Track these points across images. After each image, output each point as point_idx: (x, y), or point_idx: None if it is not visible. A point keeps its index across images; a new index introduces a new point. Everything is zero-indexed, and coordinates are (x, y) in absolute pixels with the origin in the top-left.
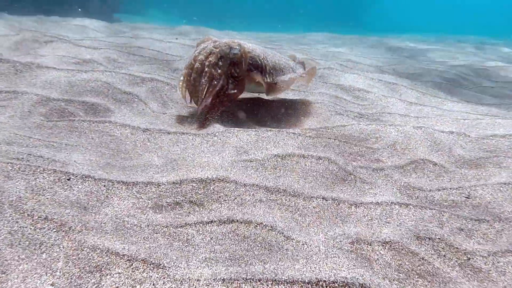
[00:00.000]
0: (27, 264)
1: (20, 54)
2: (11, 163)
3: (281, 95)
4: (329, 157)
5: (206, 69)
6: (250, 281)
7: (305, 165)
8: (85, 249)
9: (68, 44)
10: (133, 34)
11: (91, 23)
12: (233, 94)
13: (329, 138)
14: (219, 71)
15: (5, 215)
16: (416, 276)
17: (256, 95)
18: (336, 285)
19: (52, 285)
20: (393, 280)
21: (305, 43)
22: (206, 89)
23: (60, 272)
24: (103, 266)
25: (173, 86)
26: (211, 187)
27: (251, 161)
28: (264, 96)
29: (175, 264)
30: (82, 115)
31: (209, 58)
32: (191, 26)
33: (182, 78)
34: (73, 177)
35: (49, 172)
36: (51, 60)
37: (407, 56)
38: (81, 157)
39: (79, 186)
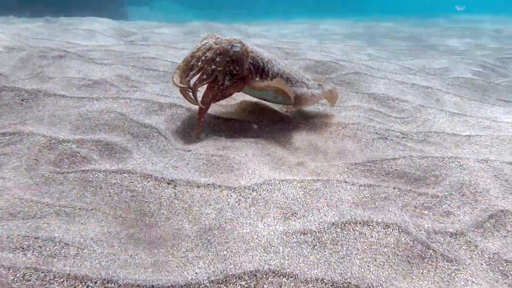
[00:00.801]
0: None
1: (26, 75)
2: (13, 268)
3: (307, 109)
4: (397, 222)
5: (199, 63)
6: None
7: (372, 238)
8: None
9: (77, 60)
10: (142, 37)
11: (99, 26)
12: (228, 90)
13: (385, 184)
14: (213, 67)
15: None
16: None
17: (270, 105)
18: None
19: None
20: None
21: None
22: (194, 84)
23: None
24: None
25: (194, 112)
26: (264, 286)
27: (304, 233)
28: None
29: None
30: (96, 158)
31: (206, 54)
32: (200, 21)
33: (176, 70)
34: (91, 284)
35: (62, 279)
36: (59, 84)
37: (426, 46)
38: (98, 229)
39: None
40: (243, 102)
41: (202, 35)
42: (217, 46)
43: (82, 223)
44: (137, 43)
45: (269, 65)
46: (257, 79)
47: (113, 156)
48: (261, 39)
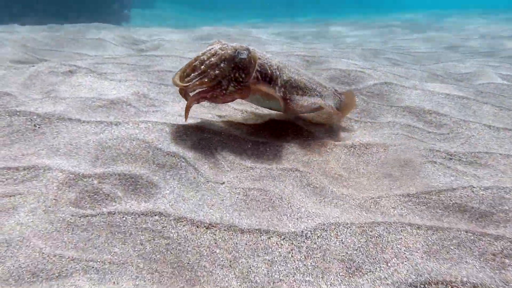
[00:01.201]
0: None
1: (36, 93)
2: None
3: (341, 126)
4: (483, 281)
5: (203, 67)
6: None
7: None
8: None
9: (89, 77)
10: (153, 45)
11: (107, 34)
12: (231, 95)
13: (452, 227)
14: (216, 72)
15: None
16: None
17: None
18: None
19: None
20: None
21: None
22: (193, 83)
23: None
24: None
25: (224, 136)
26: None
27: None
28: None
29: None
30: (120, 195)
31: (211, 58)
32: (210, 26)
33: (178, 71)
34: None
35: None
36: (72, 105)
37: (446, 47)
38: None
39: None
40: (268, 121)
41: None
42: (223, 52)
43: (114, 283)
44: (148, 53)
45: (277, 72)
46: (267, 88)
47: (139, 192)
48: (276, 45)
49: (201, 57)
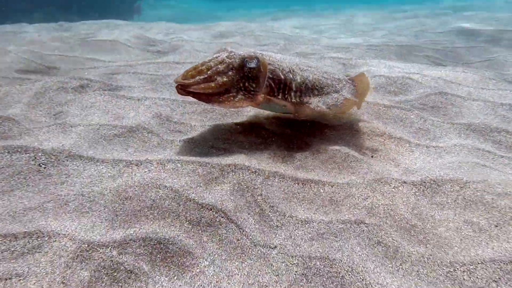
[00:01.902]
0: None
1: (43, 116)
2: None
3: (398, 153)
4: None
5: (209, 72)
6: None
7: None
8: None
9: (103, 95)
10: (170, 46)
11: (120, 35)
12: (240, 103)
13: None
14: (224, 79)
15: None
16: None
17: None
18: None
19: None
20: None
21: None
22: (196, 83)
23: None
24: None
25: (268, 174)
26: None
27: None
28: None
29: None
30: (147, 270)
31: (218, 66)
32: (230, 22)
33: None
34: None
35: None
36: (84, 135)
37: (484, 41)
38: None
39: None
40: (309, 145)
41: (229, 41)
42: (230, 60)
43: None
44: (167, 58)
45: (291, 76)
46: (280, 97)
47: (170, 263)
48: (305, 45)
49: (208, 63)
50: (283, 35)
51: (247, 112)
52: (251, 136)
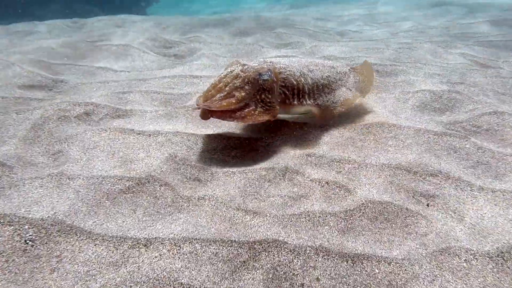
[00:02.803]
0: None
1: (41, 157)
2: None
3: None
4: None
5: (227, 88)
6: None
7: None
8: None
9: (109, 132)
10: (188, 49)
11: (133, 38)
12: (261, 116)
13: None
14: (243, 94)
15: None
16: None
17: None
18: None
19: None
20: None
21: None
22: (217, 101)
23: None
24: None
25: (308, 255)
26: None
27: None
28: None
29: None
30: None
31: (234, 81)
32: (247, 15)
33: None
34: None
35: None
36: (83, 195)
37: None
38: None
39: None
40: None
41: (249, 40)
42: (245, 74)
43: None
44: (184, 68)
45: (302, 80)
46: (295, 102)
47: None
48: (334, 46)
49: (224, 80)
50: (306, 31)
51: (273, 154)
52: (283, 185)
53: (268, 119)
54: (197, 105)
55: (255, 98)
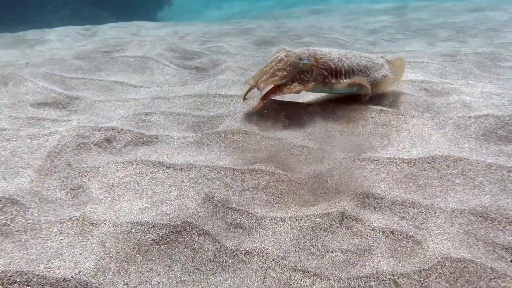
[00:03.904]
0: None
1: (58, 193)
2: None
3: None
4: None
5: (271, 70)
6: None
7: None
8: None
9: (135, 165)
10: (211, 62)
11: (151, 48)
12: (296, 88)
13: None
14: (285, 73)
15: None
16: None
17: None
18: None
19: None
20: None
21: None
22: (263, 81)
23: None
24: None
25: None
26: None
27: None
28: None
29: None
30: None
31: (278, 64)
32: (271, 23)
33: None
34: None
35: None
36: (110, 247)
37: None
38: None
39: None
40: None
41: (274, 50)
42: (287, 58)
43: None
44: (210, 84)
45: (340, 64)
46: (334, 80)
47: None
48: None
49: (270, 64)
50: (336, 41)
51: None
52: (341, 235)
53: (302, 90)
54: (253, 83)
55: (295, 78)
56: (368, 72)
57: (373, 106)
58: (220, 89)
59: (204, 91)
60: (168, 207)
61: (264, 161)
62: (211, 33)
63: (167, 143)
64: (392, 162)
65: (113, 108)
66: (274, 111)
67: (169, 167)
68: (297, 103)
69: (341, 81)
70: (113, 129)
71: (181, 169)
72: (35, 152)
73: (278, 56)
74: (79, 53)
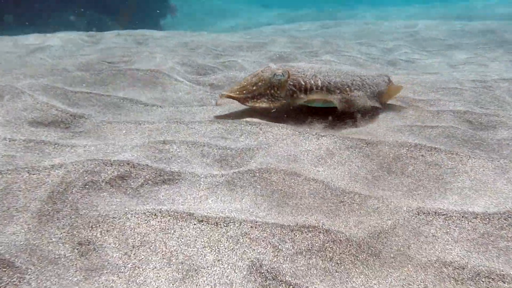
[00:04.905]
0: None
1: (60, 251)
2: None
3: None
4: None
5: (244, 83)
6: None
7: None
8: None
9: (158, 218)
10: (227, 79)
11: (163, 61)
12: (262, 104)
13: None
14: (254, 87)
15: None
16: None
17: None
18: None
19: None
20: None
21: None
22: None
23: None
24: None
25: None
26: None
27: None
28: None
29: None
30: None
31: (253, 78)
32: (288, 42)
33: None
34: None
35: None
36: None
37: None
38: None
39: None
40: None
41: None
42: (262, 74)
43: None
44: (232, 104)
45: (312, 81)
46: (302, 95)
47: None
48: (398, 79)
49: (246, 78)
50: (355, 60)
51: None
52: None
53: (269, 107)
54: (220, 95)
55: (264, 93)
56: (343, 88)
57: (420, 142)
58: (243, 115)
59: (227, 115)
60: (205, 278)
61: (312, 212)
62: (223, 46)
63: (192, 182)
64: (462, 217)
65: (124, 132)
66: (311, 144)
67: (201, 221)
68: (334, 135)
69: (310, 96)
70: (128, 164)
71: (216, 223)
72: (34, 191)
73: (256, 70)
74: (83, 64)
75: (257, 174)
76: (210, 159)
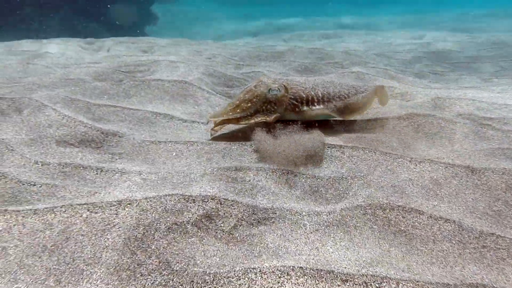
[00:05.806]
0: None
1: None
2: None
3: None
4: None
5: (237, 101)
6: None
7: None
8: None
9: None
10: None
11: (188, 72)
12: (257, 118)
13: None
14: (249, 104)
15: None
16: None
17: None
18: None
19: None
20: None
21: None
22: (226, 112)
23: None
24: None
25: None
26: None
27: None
28: None
29: None
30: None
31: (246, 95)
32: (308, 53)
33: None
34: None
35: None
36: None
37: None
38: None
39: None
40: None
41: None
42: (256, 89)
43: None
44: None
45: (312, 93)
46: (305, 108)
47: None
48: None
49: (238, 95)
50: (387, 73)
51: None
52: None
53: (267, 121)
54: (209, 119)
55: (260, 109)
56: (342, 98)
57: None
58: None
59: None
60: None
61: (463, 263)
62: (240, 55)
63: (294, 223)
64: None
65: (174, 154)
66: (409, 172)
67: (346, 281)
68: (432, 160)
69: (314, 108)
70: (213, 199)
71: (365, 284)
72: (102, 235)
73: (248, 86)
74: (98, 73)
75: (369, 211)
76: (300, 191)
